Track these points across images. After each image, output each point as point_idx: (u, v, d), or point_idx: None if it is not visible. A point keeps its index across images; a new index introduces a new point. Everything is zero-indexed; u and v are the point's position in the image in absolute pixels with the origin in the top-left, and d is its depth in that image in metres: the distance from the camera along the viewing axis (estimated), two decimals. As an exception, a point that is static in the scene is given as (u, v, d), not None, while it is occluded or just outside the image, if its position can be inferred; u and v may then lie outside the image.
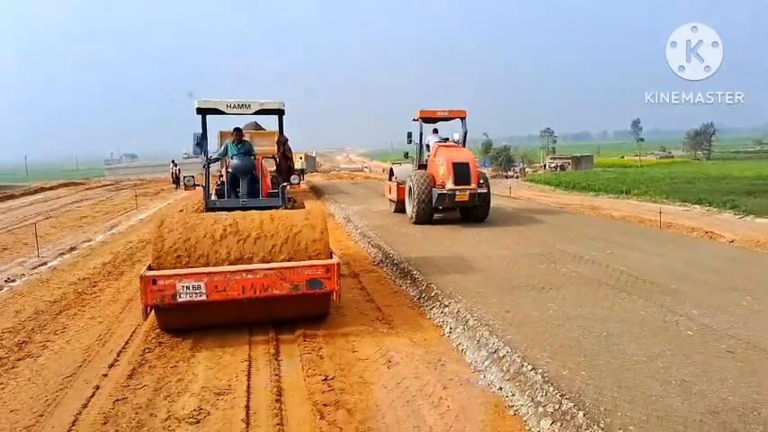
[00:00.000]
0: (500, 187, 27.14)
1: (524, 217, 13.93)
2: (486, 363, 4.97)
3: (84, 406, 4.46)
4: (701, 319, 5.64)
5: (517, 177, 55.98)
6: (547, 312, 5.95)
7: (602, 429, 3.56)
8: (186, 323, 5.86)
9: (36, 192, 27.27)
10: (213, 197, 7.87)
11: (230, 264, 5.57)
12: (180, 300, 5.28)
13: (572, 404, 3.91)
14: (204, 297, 5.31)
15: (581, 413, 3.79)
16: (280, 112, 7.85)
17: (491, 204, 13.15)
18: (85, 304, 7.28)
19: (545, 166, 67.66)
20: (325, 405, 4.43)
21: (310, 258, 5.73)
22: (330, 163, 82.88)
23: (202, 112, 7.71)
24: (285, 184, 7.79)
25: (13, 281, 8.63)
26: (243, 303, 5.58)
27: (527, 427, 3.99)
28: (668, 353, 4.81)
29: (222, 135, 17.46)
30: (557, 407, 3.95)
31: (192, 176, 7.60)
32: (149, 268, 5.49)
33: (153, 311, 5.58)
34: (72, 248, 11.31)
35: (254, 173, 7.84)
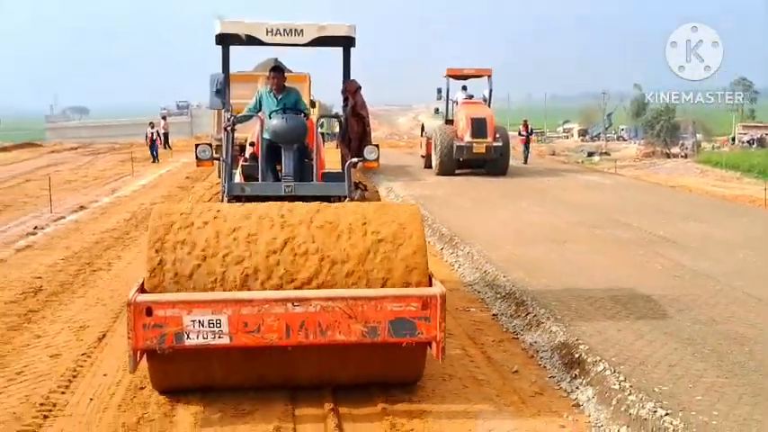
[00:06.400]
0: (633, 170, 31.21)
1: (606, 192, 19.44)
2: (476, 276, 10.05)
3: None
4: (686, 262, 10.22)
5: (685, 156, 55.28)
6: (548, 255, 10.77)
7: (508, 280, 8.86)
8: (194, 381, 5.93)
9: (-13, 154, 34.74)
10: (239, 178, 7.96)
11: (268, 288, 5.57)
12: (188, 342, 5.29)
13: (500, 273, 9.38)
14: (227, 340, 5.31)
15: (504, 276, 9.08)
16: (348, 42, 7.94)
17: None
18: (128, 244, 12.68)
19: (734, 139, 67.52)
20: None
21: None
22: (387, 127, 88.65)
23: (226, 40, 7.86)
24: (355, 160, 7.62)
25: (43, 228, 14.33)
26: (286, 354, 5.61)
27: (476, 290, 9.49)
28: (619, 271, 9.60)
29: (213, 78, 21.70)
30: (485, 270, 9.68)
31: (209, 145, 7.71)
32: (141, 290, 5.52)
33: (145, 358, 5.63)
34: (82, 207, 16.97)
35: (303, 142, 7.80)
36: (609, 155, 49.93)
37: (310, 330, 5.36)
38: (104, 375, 6.55)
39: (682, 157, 50.74)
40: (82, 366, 6.79)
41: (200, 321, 5.29)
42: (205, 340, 5.32)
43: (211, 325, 5.30)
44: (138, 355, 5.39)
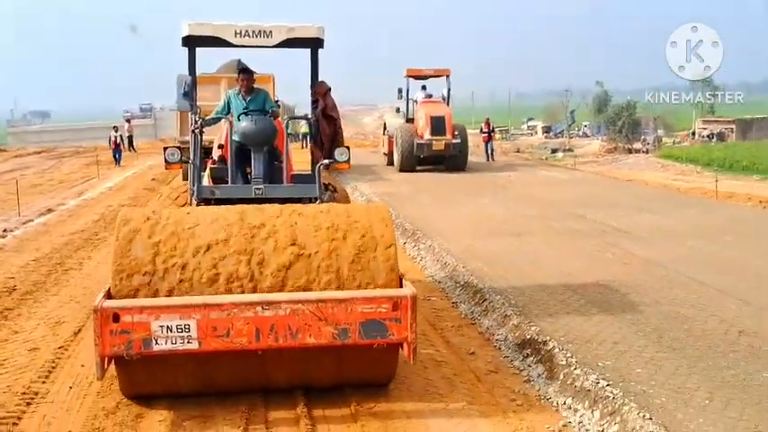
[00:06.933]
0: (596, 165, 32.04)
1: (564, 187, 20.11)
2: (437, 268, 10.49)
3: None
4: (636, 251, 10.79)
5: (647, 152, 55.88)
6: (503, 247, 11.30)
7: (466, 269, 9.40)
8: (163, 386, 5.90)
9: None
10: (206, 181, 7.88)
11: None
12: (156, 348, 5.25)
13: (459, 264, 9.82)
14: (195, 345, 5.28)
15: (463, 267, 9.63)
16: (315, 44, 8.05)
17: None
18: (98, 245, 12.99)
19: (694, 133, 68.75)
20: None
21: (367, 286, 5.67)
22: (353, 126, 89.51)
23: (193, 42, 7.85)
24: (326, 162, 7.67)
25: (12, 231, 14.59)
26: (256, 357, 5.59)
27: (437, 280, 10.06)
28: (572, 260, 10.16)
29: (180, 80, 21.26)
30: (446, 261, 10.02)
31: (178, 148, 7.73)
32: (108, 295, 5.45)
33: (114, 365, 5.60)
34: (50, 210, 17.22)
35: (273, 144, 7.76)
36: (572, 151, 50.27)
37: (280, 333, 5.34)
38: (82, 366, 6.87)
39: (643, 152, 50.99)
40: (60, 358, 7.13)
41: (168, 327, 5.26)
42: (174, 346, 5.29)
43: (180, 330, 5.26)
44: (106, 361, 5.37)
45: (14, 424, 5.69)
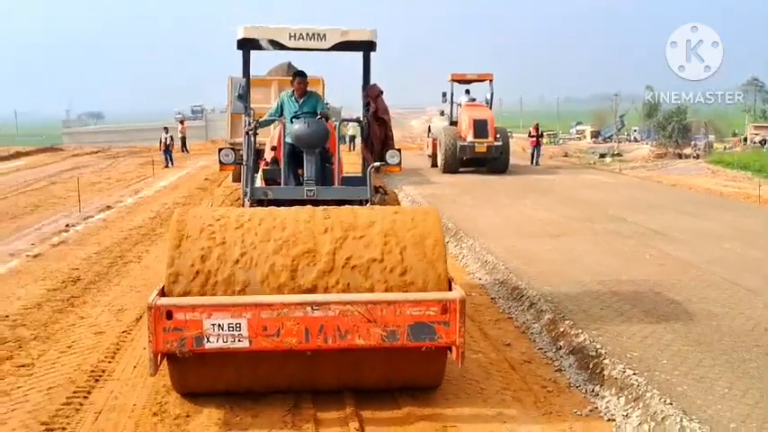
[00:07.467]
0: (645, 170, 32.08)
1: (608, 191, 20.46)
2: (477, 266, 10.96)
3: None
4: (672, 252, 11.09)
5: (697, 157, 54.80)
6: (543, 247, 11.67)
7: (506, 268, 9.79)
8: (214, 384, 6.01)
9: (12, 157, 36.49)
10: (259, 182, 8.07)
11: (287, 292, 5.61)
12: (208, 346, 5.38)
13: (500, 262, 10.24)
14: (246, 343, 5.39)
15: (503, 265, 10.05)
16: (368, 47, 8.09)
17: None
18: (155, 239, 13.67)
19: (745, 139, 67.57)
20: None
21: (416, 289, 5.72)
22: (399, 129, 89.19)
23: (247, 45, 7.97)
24: (377, 164, 7.76)
25: (74, 226, 15.39)
26: (305, 358, 5.67)
27: (477, 278, 10.45)
28: (609, 260, 10.50)
29: (232, 81, 21.68)
30: (486, 260, 10.35)
31: (232, 149, 7.92)
32: (162, 293, 5.60)
33: (166, 361, 5.76)
34: (108, 207, 18.07)
35: (325, 146, 7.95)
36: (621, 156, 50.01)
37: (329, 334, 5.40)
38: (144, 348, 7.35)
39: (693, 157, 50.20)
40: (124, 341, 7.72)
41: (219, 325, 5.36)
42: (225, 344, 5.39)
43: (231, 329, 5.36)
44: (159, 358, 5.50)
45: (85, 397, 6.23)
